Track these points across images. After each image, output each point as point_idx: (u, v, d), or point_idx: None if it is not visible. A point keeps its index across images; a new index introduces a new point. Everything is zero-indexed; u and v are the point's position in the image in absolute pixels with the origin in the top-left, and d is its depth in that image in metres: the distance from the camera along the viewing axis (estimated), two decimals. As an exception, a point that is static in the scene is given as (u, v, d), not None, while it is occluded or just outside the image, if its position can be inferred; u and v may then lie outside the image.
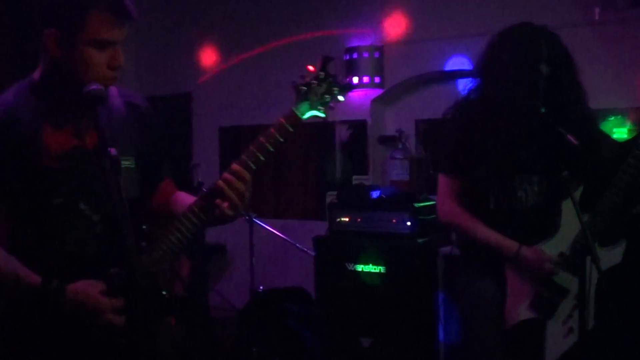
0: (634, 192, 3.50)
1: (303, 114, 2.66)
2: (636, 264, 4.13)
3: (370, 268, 5.67)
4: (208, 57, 8.08)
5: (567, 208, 3.50)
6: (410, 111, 7.02)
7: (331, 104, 2.70)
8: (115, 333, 2.41)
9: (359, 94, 6.89)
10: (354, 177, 6.95)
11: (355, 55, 6.79)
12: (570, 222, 3.48)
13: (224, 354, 6.62)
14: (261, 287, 6.32)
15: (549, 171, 3.55)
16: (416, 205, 5.72)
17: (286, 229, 6.72)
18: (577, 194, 3.48)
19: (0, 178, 2.48)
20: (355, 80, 6.74)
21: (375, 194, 5.93)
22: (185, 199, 2.76)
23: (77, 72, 2.46)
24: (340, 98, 2.71)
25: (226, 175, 2.56)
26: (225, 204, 2.55)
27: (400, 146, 6.81)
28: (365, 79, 6.74)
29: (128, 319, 2.37)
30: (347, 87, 2.69)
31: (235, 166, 2.58)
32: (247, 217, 6.16)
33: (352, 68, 6.80)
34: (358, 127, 7.03)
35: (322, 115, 2.69)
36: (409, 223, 5.63)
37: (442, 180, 3.71)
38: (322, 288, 5.96)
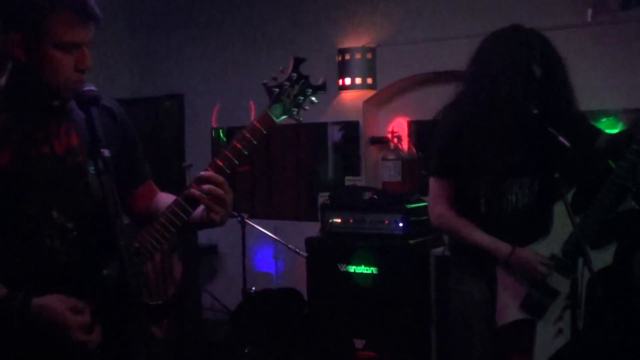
0: (626, 190, 3.51)
1: (277, 117, 2.59)
2: (626, 266, 4.15)
3: (362, 269, 5.67)
4: (201, 58, 8.08)
5: (559, 210, 3.50)
6: (402, 112, 7.02)
7: (305, 106, 2.63)
8: (86, 350, 2.36)
9: (352, 95, 6.90)
10: (347, 178, 6.95)
11: (347, 57, 6.79)
12: (562, 224, 3.49)
13: (216, 355, 6.61)
14: (253, 288, 6.31)
15: (540, 173, 3.56)
16: (408, 206, 5.73)
17: (278, 230, 6.72)
18: (569, 196, 3.49)
19: None
20: (348, 81, 6.75)
21: (367, 195, 5.93)
22: (168, 200, 2.66)
23: (44, 75, 2.40)
24: (314, 99, 2.64)
25: (198, 183, 2.49)
26: (210, 213, 2.50)
27: (392, 147, 6.82)
28: (358, 80, 6.74)
29: (114, 323, 2.35)
30: (321, 88, 2.63)
31: (206, 173, 2.50)
32: (239, 218, 6.15)
33: (344, 69, 6.80)
34: (350, 128, 7.03)
35: (297, 117, 2.63)
36: (401, 224, 5.64)
37: (434, 184, 3.71)
38: (315, 289, 5.97)
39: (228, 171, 2.51)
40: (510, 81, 3.44)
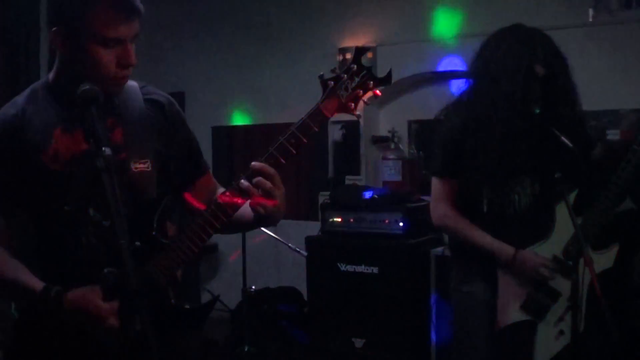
0: (629, 191, 3.51)
1: (331, 112, 2.38)
2: (627, 267, 4.15)
3: (362, 268, 5.66)
4: (201, 56, 8.08)
5: (561, 211, 3.50)
6: (403, 112, 7.02)
7: (365, 100, 2.43)
8: (119, 338, 2.34)
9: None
10: (347, 177, 6.95)
11: (348, 56, 6.78)
12: (563, 225, 3.48)
13: (216, 354, 6.61)
14: (253, 287, 6.31)
15: (542, 173, 3.55)
16: (408, 205, 5.72)
17: (279, 229, 6.70)
18: (572, 197, 3.48)
19: (10, 184, 2.44)
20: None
21: (367, 194, 5.93)
22: None
23: (87, 71, 2.36)
24: (377, 92, 2.44)
25: (250, 175, 2.36)
26: (257, 206, 2.37)
27: (392, 147, 6.81)
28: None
29: (122, 321, 2.33)
30: (386, 80, 2.42)
31: (257, 164, 2.35)
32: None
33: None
34: (351, 128, 7.02)
35: (355, 112, 2.43)
36: (401, 224, 5.63)
37: (436, 184, 3.70)
38: (315, 288, 5.97)
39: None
40: (512, 81, 3.43)
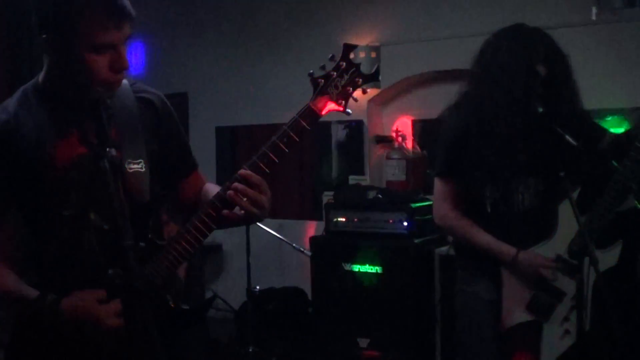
0: (631, 188, 3.50)
1: (321, 110, 2.39)
2: (632, 266, 4.15)
3: (366, 268, 5.67)
4: (204, 56, 8.08)
5: (564, 210, 3.49)
6: (406, 111, 7.02)
7: (354, 97, 2.44)
8: (120, 339, 2.30)
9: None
10: (351, 177, 6.94)
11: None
12: (567, 224, 3.48)
13: (220, 354, 6.62)
14: (257, 287, 6.31)
15: (545, 173, 3.55)
16: (413, 205, 5.73)
17: (283, 228, 6.72)
18: (575, 195, 3.48)
19: (6, 190, 2.41)
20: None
21: (371, 194, 5.93)
22: (214, 190, 2.50)
23: (79, 76, 2.33)
24: (366, 89, 2.48)
25: (235, 184, 2.35)
26: (242, 212, 2.38)
27: (396, 146, 6.81)
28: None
29: (126, 322, 2.32)
30: (373, 77, 2.43)
31: (243, 172, 2.36)
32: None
33: (348, 68, 6.78)
34: (355, 127, 7.03)
35: (345, 110, 2.43)
36: (405, 223, 5.64)
37: (439, 184, 3.70)
38: (319, 288, 5.97)
39: (267, 170, 2.38)
40: (514, 81, 3.43)
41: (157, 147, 2.59)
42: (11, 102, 2.50)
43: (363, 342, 5.71)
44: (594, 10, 5.74)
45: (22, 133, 2.41)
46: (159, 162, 2.59)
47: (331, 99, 2.41)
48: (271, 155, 2.38)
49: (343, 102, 2.43)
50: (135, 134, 2.52)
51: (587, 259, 3.31)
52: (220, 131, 8.07)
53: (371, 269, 5.65)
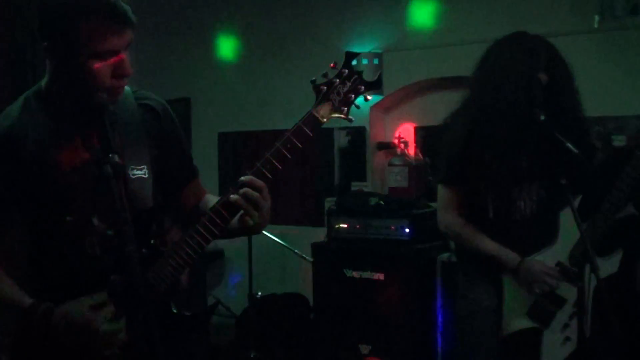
0: (632, 197, 3.51)
1: (324, 117, 2.42)
2: (632, 273, 4.15)
3: (368, 274, 5.66)
4: (207, 62, 8.09)
5: (566, 217, 3.50)
6: (409, 118, 7.02)
7: (356, 104, 2.48)
8: (121, 346, 2.33)
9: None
10: (353, 183, 6.94)
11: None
12: (568, 231, 3.49)
13: (222, 359, 6.61)
14: (259, 293, 6.31)
15: (547, 180, 3.55)
16: (415, 212, 5.72)
17: (285, 235, 6.72)
18: (576, 203, 3.48)
19: (9, 197, 2.41)
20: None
21: (373, 201, 5.93)
22: (214, 200, 2.52)
23: (82, 83, 2.32)
24: (368, 96, 2.51)
25: (239, 187, 2.37)
26: (246, 217, 2.40)
27: (399, 153, 6.81)
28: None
29: (129, 328, 2.33)
30: (376, 84, 2.46)
31: (246, 178, 2.38)
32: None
33: (351, 74, 6.78)
34: (357, 134, 7.02)
35: (347, 117, 2.47)
36: (407, 230, 5.63)
37: (442, 191, 3.71)
38: (321, 294, 5.96)
39: (270, 176, 2.40)
40: (515, 88, 3.44)
41: (159, 154, 2.59)
42: (14, 108, 2.50)
43: (364, 349, 5.70)
44: (597, 18, 5.74)
45: (25, 139, 2.42)
46: (161, 168, 2.60)
47: (333, 106, 2.44)
48: (274, 161, 2.39)
49: (345, 109, 2.46)
50: (138, 141, 2.53)
51: (588, 266, 3.31)
52: (223, 137, 8.07)
53: (373, 276, 5.64)
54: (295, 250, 6.26)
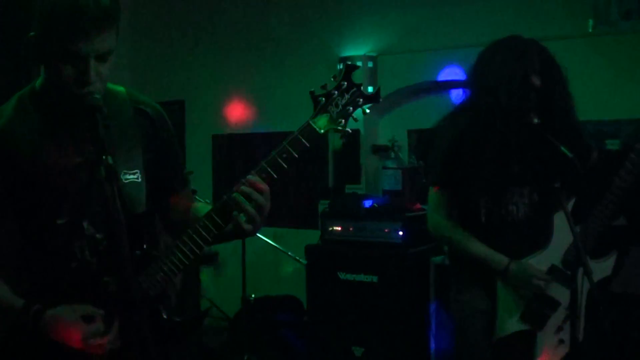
0: (627, 200, 3.51)
1: (321, 128, 2.40)
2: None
3: (362, 277, 5.66)
4: (202, 64, 8.09)
5: (559, 220, 3.50)
6: (403, 121, 7.03)
7: (354, 117, 2.45)
8: (100, 356, 2.33)
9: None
10: (347, 186, 6.94)
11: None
12: (562, 234, 3.49)
13: (214, 362, 6.62)
14: (253, 296, 6.31)
15: (540, 183, 3.56)
16: (408, 215, 5.73)
17: (278, 237, 6.72)
18: (570, 206, 3.49)
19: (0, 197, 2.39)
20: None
21: (367, 204, 5.93)
22: (203, 210, 2.52)
23: (56, 85, 2.32)
24: (366, 110, 2.47)
25: (242, 187, 2.35)
26: (246, 219, 2.38)
27: (393, 156, 6.82)
28: (358, 83, 6.70)
29: (121, 331, 2.32)
30: (375, 98, 2.45)
31: (250, 178, 2.35)
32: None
33: (345, 77, 6.78)
34: (351, 136, 7.00)
35: (344, 129, 2.43)
36: (401, 233, 5.63)
37: (433, 193, 3.71)
38: (314, 297, 5.96)
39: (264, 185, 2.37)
40: (508, 91, 3.44)
41: (153, 159, 2.58)
42: (7, 108, 2.48)
43: (358, 351, 5.70)
44: (591, 22, 5.75)
45: (17, 140, 2.40)
46: (155, 173, 2.59)
47: (331, 118, 2.42)
48: (270, 170, 2.38)
49: (343, 121, 2.44)
50: (132, 145, 2.52)
51: (581, 269, 3.32)
52: (216, 139, 8.07)
53: (366, 278, 5.64)
54: (289, 253, 6.26)
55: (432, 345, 5.52)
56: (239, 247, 6.22)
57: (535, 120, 3.42)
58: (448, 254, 3.87)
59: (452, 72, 6.30)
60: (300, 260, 6.11)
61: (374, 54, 6.84)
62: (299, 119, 2.48)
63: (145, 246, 2.45)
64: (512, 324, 3.54)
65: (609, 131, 5.64)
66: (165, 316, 2.46)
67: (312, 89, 2.43)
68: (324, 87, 2.43)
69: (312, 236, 6.32)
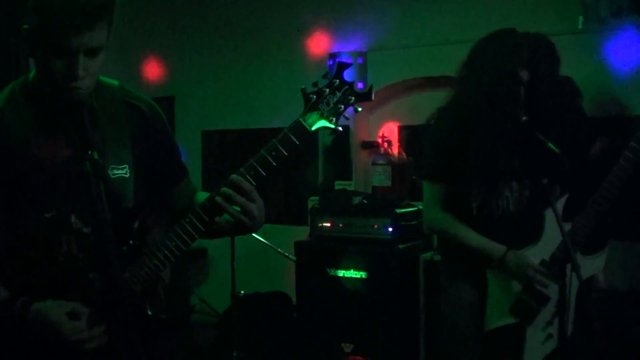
0: (621, 196, 3.52)
1: (311, 126, 2.39)
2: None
3: (351, 273, 5.67)
4: (192, 60, 8.08)
5: (550, 215, 3.51)
6: (393, 117, 7.03)
7: (346, 114, 2.44)
8: (82, 353, 2.33)
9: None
10: (337, 182, 6.94)
11: (339, 60, 6.78)
12: (553, 230, 3.49)
13: (204, 358, 6.60)
14: (242, 292, 6.30)
15: (530, 178, 3.56)
16: (398, 211, 5.73)
17: (268, 233, 6.70)
18: (562, 202, 3.50)
19: None
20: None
21: (357, 200, 5.93)
22: (202, 199, 2.47)
23: (45, 79, 2.30)
24: (358, 108, 2.47)
25: (224, 189, 2.34)
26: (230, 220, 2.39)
27: (382, 152, 6.82)
28: (350, 81, 6.70)
29: (106, 326, 2.32)
30: (367, 96, 2.45)
31: (234, 177, 2.35)
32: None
33: (335, 73, 6.79)
34: (341, 133, 7.00)
35: (333, 126, 2.43)
36: (390, 229, 5.64)
37: (427, 188, 3.71)
38: (303, 293, 5.97)
39: (253, 182, 2.37)
40: (496, 85, 3.45)
41: (143, 154, 2.56)
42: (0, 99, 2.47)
43: (347, 347, 5.70)
44: (581, 19, 5.76)
45: (8, 131, 2.39)
46: (147, 168, 2.58)
47: (322, 116, 2.42)
48: (259, 168, 2.37)
49: (334, 119, 2.43)
50: (121, 140, 2.50)
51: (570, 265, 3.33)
52: (206, 135, 8.06)
53: (356, 274, 5.65)
54: (279, 249, 6.26)
55: (422, 341, 5.53)
56: (229, 244, 6.22)
57: (524, 118, 3.43)
58: (438, 248, 3.87)
59: (442, 68, 6.29)
60: (290, 256, 6.11)
61: (364, 50, 6.84)
62: (289, 115, 2.48)
63: (132, 242, 2.44)
64: (502, 318, 3.54)
65: (600, 128, 5.65)
66: (150, 313, 2.46)
67: (304, 87, 2.43)
68: (315, 84, 2.43)
69: (302, 232, 6.32)
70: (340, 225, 5.88)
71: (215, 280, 7.81)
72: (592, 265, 3.58)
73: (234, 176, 2.36)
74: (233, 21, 7.76)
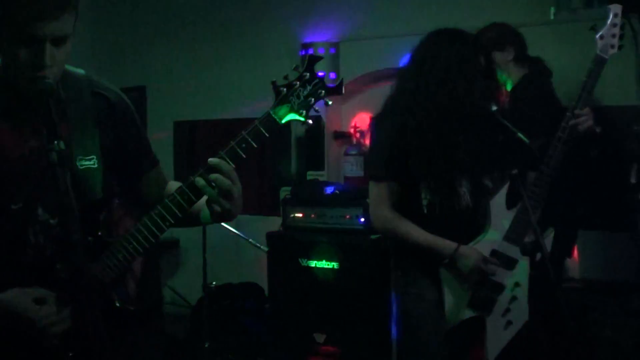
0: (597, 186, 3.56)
1: (281, 118, 2.41)
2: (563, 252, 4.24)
3: (323, 264, 5.67)
4: (163, 50, 8.04)
5: (494, 206, 3.55)
6: (365, 107, 7.02)
7: (316, 107, 2.47)
8: (52, 339, 2.31)
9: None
10: (309, 172, 6.94)
11: (310, 51, 6.78)
12: (497, 220, 3.55)
13: (176, 349, 6.58)
14: (214, 283, 6.28)
15: (476, 172, 3.58)
16: (369, 201, 5.72)
17: (240, 224, 6.68)
18: (504, 190, 3.56)
19: None
20: (311, 75, 6.73)
21: (329, 190, 5.93)
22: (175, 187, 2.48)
23: (11, 67, 2.29)
24: (328, 101, 2.49)
25: (207, 172, 2.35)
26: (212, 202, 2.38)
27: (354, 142, 6.82)
28: (321, 75, 6.71)
29: (73, 317, 2.30)
30: (337, 90, 2.46)
31: (214, 160, 2.35)
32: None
33: (307, 63, 6.79)
34: (313, 123, 7.01)
35: (303, 119, 2.45)
36: (362, 219, 5.64)
37: (374, 188, 3.68)
38: (275, 284, 5.96)
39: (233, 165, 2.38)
40: (467, 81, 3.45)
41: (111, 144, 2.55)
42: None
43: (320, 337, 5.70)
44: (553, 10, 5.78)
45: None
46: (115, 158, 2.56)
47: (292, 109, 2.43)
48: (227, 160, 2.37)
49: (304, 112, 2.45)
50: (88, 130, 2.49)
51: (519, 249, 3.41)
52: (178, 125, 8.03)
53: (328, 265, 5.65)
54: (250, 240, 6.24)
55: (393, 330, 5.53)
56: (200, 235, 6.20)
57: (494, 108, 3.44)
58: (392, 248, 3.83)
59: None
60: (262, 247, 6.10)
61: (336, 40, 6.83)
62: (261, 106, 2.51)
63: (100, 233, 2.42)
64: (461, 312, 3.57)
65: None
66: (118, 304, 2.45)
67: (274, 79, 2.43)
68: (286, 77, 2.44)
69: (274, 223, 6.31)
70: (312, 215, 5.88)
71: (187, 271, 7.79)
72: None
73: (213, 159, 2.36)
74: (204, 11, 7.73)
